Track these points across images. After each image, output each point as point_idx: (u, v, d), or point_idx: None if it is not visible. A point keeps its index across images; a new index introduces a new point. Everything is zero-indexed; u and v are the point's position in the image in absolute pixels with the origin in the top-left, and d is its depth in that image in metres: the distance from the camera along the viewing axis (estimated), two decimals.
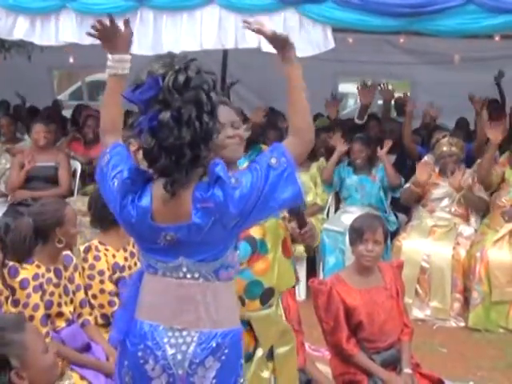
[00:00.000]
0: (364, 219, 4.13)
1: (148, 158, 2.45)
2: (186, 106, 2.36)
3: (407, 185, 6.81)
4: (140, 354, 2.56)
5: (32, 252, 3.91)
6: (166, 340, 2.55)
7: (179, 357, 2.53)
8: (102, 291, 4.19)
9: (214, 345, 2.54)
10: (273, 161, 2.46)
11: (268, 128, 7.76)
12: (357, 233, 4.00)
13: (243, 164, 3.21)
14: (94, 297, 4.17)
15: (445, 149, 6.57)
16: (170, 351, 2.54)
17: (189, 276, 2.53)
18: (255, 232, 3.03)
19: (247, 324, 3.05)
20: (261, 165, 2.46)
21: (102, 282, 4.18)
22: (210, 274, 2.54)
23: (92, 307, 4.17)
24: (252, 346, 3.08)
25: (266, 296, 3.13)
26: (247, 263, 3.04)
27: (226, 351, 2.55)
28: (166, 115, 2.35)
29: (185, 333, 2.55)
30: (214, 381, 2.55)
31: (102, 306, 4.18)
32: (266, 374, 3.11)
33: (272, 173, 2.44)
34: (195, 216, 2.44)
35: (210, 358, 2.54)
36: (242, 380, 2.62)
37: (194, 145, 2.39)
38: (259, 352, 3.08)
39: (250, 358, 3.05)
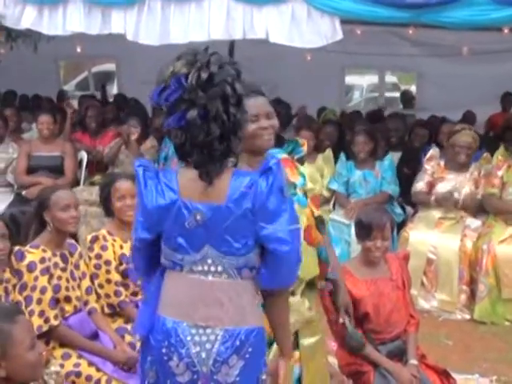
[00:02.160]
0: (372, 215, 4.05)
1: (180, 152, 2.53)
2: (212, 102, 2.42)
3: (418, 186, 6.75)
4: (164, 350, 2.59)
5: (28, 235, 3.99)
6: (189, 338, 2.57)
7: (203, 355, 2.56)
8: (108, 281, 4.19)
9: (238, 343, 2.56)
10: None
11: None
12: (365, 229, 3.98)
13: (280, 155, 3.22)
14: (101, 286, 4.18)
15: (463, 138, 6.47)
16: (194, 349, 2.56)
17: (213, 269, 2.56)
18: None
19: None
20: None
21: (108, 271, 4.18)
22: (233, 270, 2.56)
23: (98, 297, 4.18)
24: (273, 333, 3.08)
25: None
26: None
27: (250, 349, 2.58)
28: (193, 114, 2.41)
29: (209, 330, 2.57)
30: (237, 378, 2.58)
31: (108, 296, 4.19)
32: None
33: None
34: (230, 199, 2.49)
35: (234, 356, 2.56)
36: (264, 376, 2.64)
37: (223, 137, 2.46)
38: None
39: (271, 343, 3.03)
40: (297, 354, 3.17)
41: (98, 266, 4.19)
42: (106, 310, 4.18)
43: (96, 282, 4.18)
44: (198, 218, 2.52)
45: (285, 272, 2.56)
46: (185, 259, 2.58)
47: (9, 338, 2.54)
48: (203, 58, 2.44)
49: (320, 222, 3.27)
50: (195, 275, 2.57)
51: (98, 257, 4.18)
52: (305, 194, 3.22)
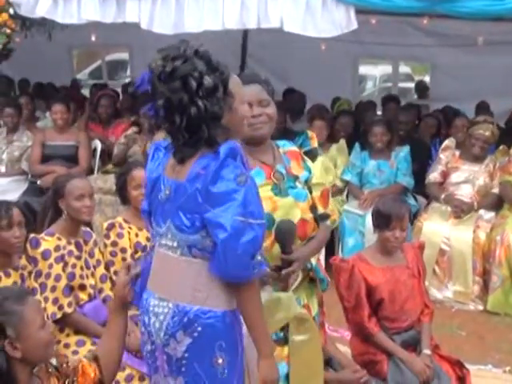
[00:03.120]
0: (392, 205, 4.04)
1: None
2: (174, 94, 2.52)
3: (432, 177, 6.75)
4: (140, 318, 2.80)
5: (44, 222, 4.03)
6: (151, 308, 2.71)
7: (157, 325, 2.68)
8: None
9: (186, 320, 2.63)
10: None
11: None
12: (384, 219, 3.96)
13: (287, 147, 3.23)
14: (116, 273, 4.19)
15: (481, 131, 6.44)
16: (152, 319, 2.70)
17: (170, 244, 2.67)
18: (264, 206, 2.94)
19: None
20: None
21: (124, 259, 4.19)
22: (186, 247, 2.63)
23: (114, 284, 4.19)
24: None
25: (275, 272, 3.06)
26: None
27: (199, 329, 2.62)
28: (159, 104, 2.54)
29: (164, 303, 2.68)
30: (185, 355, 2.65)
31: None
32: None
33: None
34: (188, 178, 2.59)
35: (181, 332, 2.63)
36: (220, 360, 2.64)
37: (194, 127, 2.54)
38: None
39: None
40: (285, 350, 3.12)
41: (113, 254, 4.21)
42: None
43: (112, 270, 4.20)
44: (167, 192, 2.66)
45: (230, 263, 2.54)
46: (157, 232, 2.73)
47: (21, 319, 2.57)
48: (176, 51, 2.54)
49: (322, 219, 3.22)
50: (161, 248, 2.72)
51: (114, 244, 4.20)
52: (309, 188, 3.18)
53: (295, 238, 3.06)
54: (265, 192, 3.00)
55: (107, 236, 4.22)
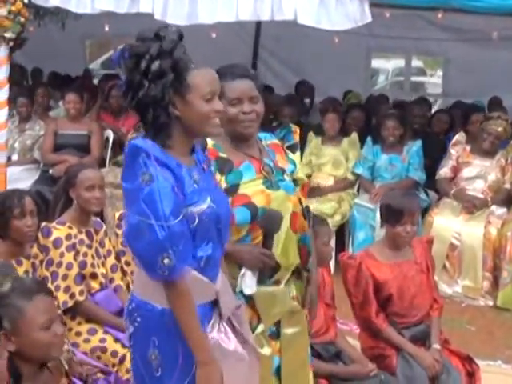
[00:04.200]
0: (403, 200, 4.04)
1: None
2: (129, 73, 2.53)
3: (443, 172, 6.73)
4: None
5: (55, 211, 4.03)
6: None
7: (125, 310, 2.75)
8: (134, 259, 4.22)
9: (130, 308, 2.68)
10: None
11: (283, 105, 7.76)
12: (395, 214, 3.94)
13: (269, 140, 3.19)
14: (127, 264, 4.21)
15: (494, 127, 6.44)
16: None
17: None
18: (258, 200, 2.96)
19: (249, 298, 2.98)
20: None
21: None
22: None
23: (124, 274, 4.21)
24: (255, 322, 3.02)
25: (268, 270, 2.99)
26: (248, 231, 2.95)
27: (138, 319, 2.64)
28: (122, 82, 2.57)
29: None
30: (131, 343, 2.71)
31: (133, 274, 4.22)
32: (266, 350, 3.01)
33: None
34: None
35: (127, 318, 2.69)
36: (153, 356, 2.61)
37: (141, 108, 2.55)
38: (259, 328, 3.01)
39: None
40: (277, 344, 3.07)
41: (125, 244, 4.22)
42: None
43: (123, 260, 4.21)
44: None
45: (140, 259, 2.55)
46: None
47: (20, 314, 2.57)
48: (149, 33, 2.55)
49: (306, 212, 3.18)
50: None
51: None
52: (294, 181, 3.15)
53: (278, 229, 2.98)
54: (257, 186, 2.98)
55: (119, 226, 4.24)
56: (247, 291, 2.93)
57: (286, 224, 3.00)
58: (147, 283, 2.59)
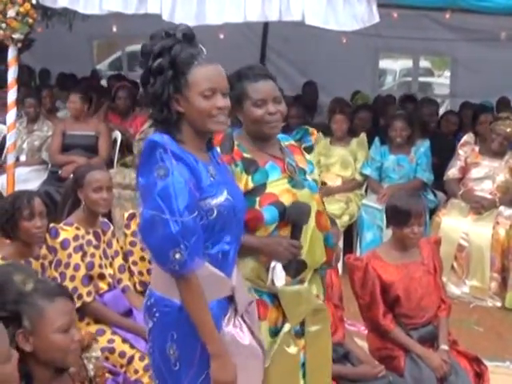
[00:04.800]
0: (409, 201, 4.03)
1: None
2: (143, 70, 2.65)
3: (451, 173, 6.71)
4: None
5: (63, 210, 4.06)
6: None
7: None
8: (142, 259, 4.23)
9: (149, 303, 2.70)
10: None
11: (290, 106, 7.75)
12: (402, 216, 3.94)
13: (286, 141, 3.21)
14: (135, 263, 4.22)
15: (502, 127, 6.42)
16: None
17: None
18: (285, 198, 2.98)
19: (275, 298, 3.01)
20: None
21: (142, 249, 4.21)
22: None
23: (132, 274, 4.23)
24: (280, 321, 3.05)
25: (296, 268, 3.02)
26: (276, 229, 2.97)
27: (157, 314, 2.67)
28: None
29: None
30: (150, 337, 2.75)
31: (141, 274, 4.23)
32: (292, 349, 3.04)
33: None
34: None
35: (146, 313, 2.72)
36: (171, 351, 2.64)
37: (150, 103, 2.64)
38: (286, 327, 3.04)
39: (277, 332, 3.03)
40: (301, 342, 3.10)
41: (133, 244, 4.23)
42: (139, 288, 4.22)
43: (130, 259, 4.22)
44: None
45: (153, 253, 2.59)
46: None
47: (41, 314, 2.57)
48: (159, 32, 2.65)
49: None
50: None
51: (134, 234, 4.23)
52: (314, 180, 3.18)
53: (307, 221, 3.01)
54: (283, 185, 3.01)
55: (128, 226, 4.25)
56: (279, 283, 2.95)
57: (311, 222, 3.03)
58: (166, 278, 2.60)
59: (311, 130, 3.31)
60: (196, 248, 2.52)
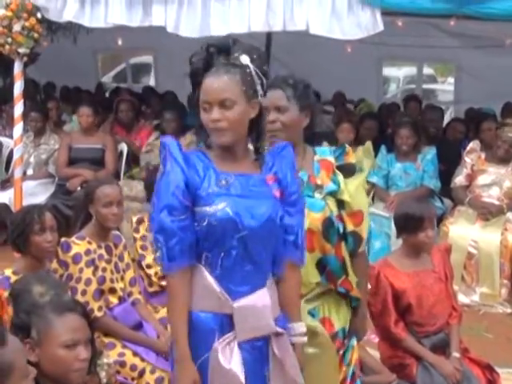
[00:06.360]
0: (421, 206, 4.05)
1: None
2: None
3: (458, 181, 6.71)
4: None
5: (76, 224, 4.06)
6: None
7: None
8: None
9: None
10: None
11: None
12: (416, 221, 3.93)
13: (323, 156, 3.14)
14: (149, 267, 4.23)
15: (508, 134, 6.42)
16: None
17: None
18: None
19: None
20: None
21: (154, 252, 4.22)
22: None
23: (149, 277, 4.23)
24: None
25: None
26: None
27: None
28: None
29: None
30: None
31: (156, 274, 4.25)
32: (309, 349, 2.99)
33: None
34: None
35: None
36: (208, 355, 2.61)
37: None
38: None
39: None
40: None
41: (144, 248, 4.25)
42: (157, 288, 4.27)
43: (143, 264, 4.22)
44: None
45: None
46: None
47: (48, 327, 2.58)
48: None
49: (353, 238, 3.11)
50: None
51: (144, 238, 4.23)
52: (340, 202, 3.08)
53: None
54: None
55: (137, 230, 4.26)
56: None
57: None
58: (196, 293, 2.64)
59: (348, 149, 3.24)
60: (176, 250, 2.55)
